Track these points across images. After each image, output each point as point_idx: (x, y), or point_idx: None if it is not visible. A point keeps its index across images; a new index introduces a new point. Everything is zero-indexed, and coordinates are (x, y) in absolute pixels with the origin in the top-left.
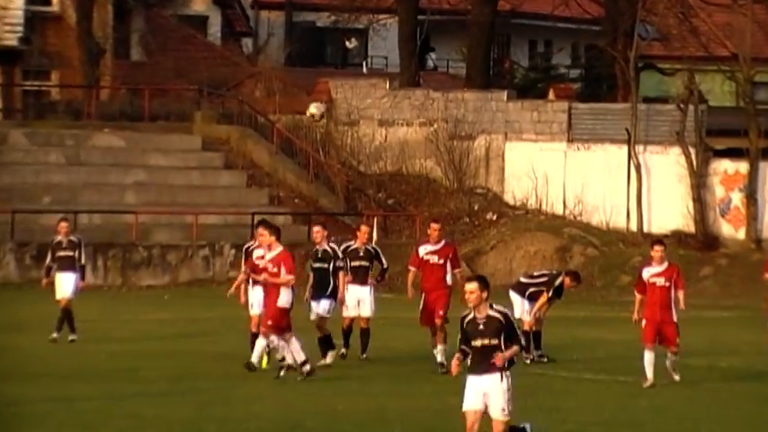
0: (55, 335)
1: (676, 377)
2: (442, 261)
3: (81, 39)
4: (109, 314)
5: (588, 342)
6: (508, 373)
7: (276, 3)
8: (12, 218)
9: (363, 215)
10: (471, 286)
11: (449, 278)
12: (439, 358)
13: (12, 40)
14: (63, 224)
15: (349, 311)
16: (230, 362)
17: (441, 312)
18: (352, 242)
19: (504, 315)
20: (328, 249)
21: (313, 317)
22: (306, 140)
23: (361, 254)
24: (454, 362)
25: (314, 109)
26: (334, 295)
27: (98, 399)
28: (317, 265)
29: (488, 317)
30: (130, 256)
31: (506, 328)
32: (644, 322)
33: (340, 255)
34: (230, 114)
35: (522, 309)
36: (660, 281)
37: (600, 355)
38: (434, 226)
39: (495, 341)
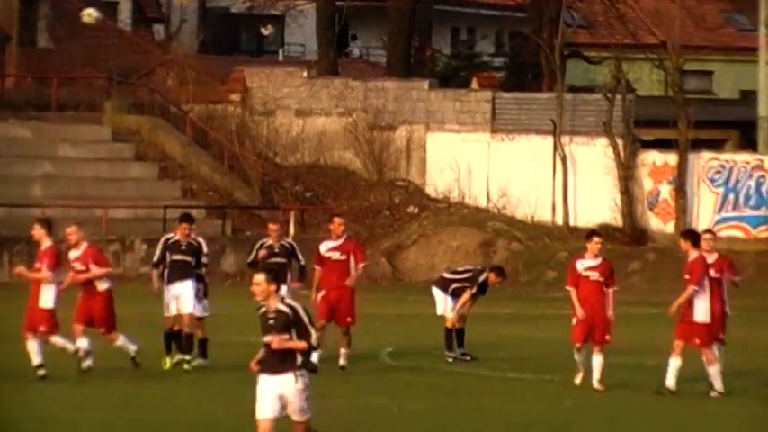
0: None
1: (598, 386)
2: (344, 257)
3: None
4: (14, 312)
5: (513, 340)
6: (303, 371)
7: None
8: None
9: (280, 208)
10: (258, 278)
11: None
12: (341, 362)
13: None
14: None
15: None
16: (142, 360)
17: (349, 319)
18: (267, 239)
19: (293, 309)
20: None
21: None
22: (220, 131)
23: (277, 250)
24: (254, 369)
25: (86, 17)
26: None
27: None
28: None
29: (278, 311)
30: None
31: (295, 323)
32: (574, 320)
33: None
34: (141, 104)
35: (444, 305)
36: (594, 275)
37: (525, 353)
38: (337, 221)
39: (285, 336)
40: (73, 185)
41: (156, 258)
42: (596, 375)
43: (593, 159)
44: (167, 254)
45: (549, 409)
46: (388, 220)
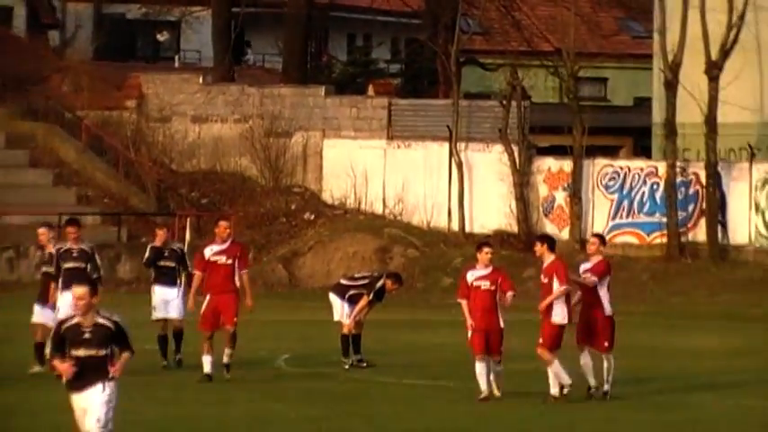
0: None
1: (497, 392)
2: (230, 261)
3: None
4: None
5: (409, 346)
6: (112, 383)
7: None
8: None
9: (176, 215)
10: (80, 291)
11: (237, 280)
12: (225, 359)
13: None
14: None
15: (157, 313)
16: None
17: (234, 320)
18: (155, 242)
19: (115, 323)
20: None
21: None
22: (115, 137)
23: (167, 254)
24: (67, 367)
25: None
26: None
27: None
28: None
29: (96, 324)
30: None
31: (117, 337)
32: (470, 332)
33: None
34: (36, 110)
35: (341, 311)
36: (485, 284)
37: (421, 359)
38: (223, 224)
39: (102, 352)
40: None
41: (53, 271)
42: (494, 382)
43: (489, 166)
44: (60, 263)
45: (446, 414)
46: (285, 226)
